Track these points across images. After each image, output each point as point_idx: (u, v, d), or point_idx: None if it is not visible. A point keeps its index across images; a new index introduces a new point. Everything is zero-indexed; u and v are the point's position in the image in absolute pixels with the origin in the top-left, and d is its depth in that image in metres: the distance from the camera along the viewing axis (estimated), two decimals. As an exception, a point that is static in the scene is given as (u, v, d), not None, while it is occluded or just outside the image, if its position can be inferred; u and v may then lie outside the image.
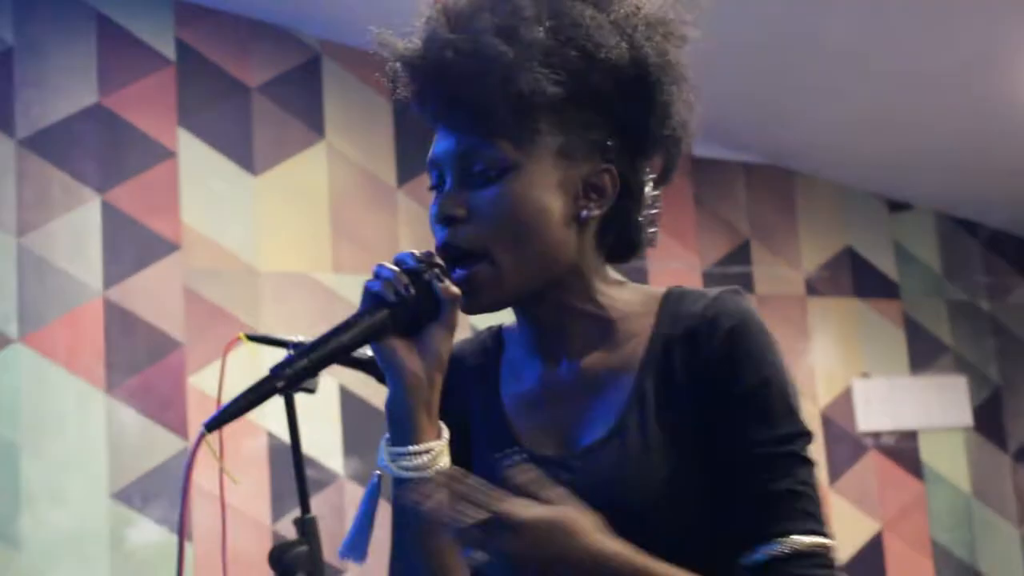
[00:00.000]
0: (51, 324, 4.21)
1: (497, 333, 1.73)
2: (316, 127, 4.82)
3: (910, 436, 6.10)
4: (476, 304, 1.52)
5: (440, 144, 1.54)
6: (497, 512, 1.33)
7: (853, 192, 6.24)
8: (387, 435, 1.52)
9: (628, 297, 1.60)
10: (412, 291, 1.48)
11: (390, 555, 1.63)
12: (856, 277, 6.18)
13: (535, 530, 1.34)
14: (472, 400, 1.68)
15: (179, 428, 4.34)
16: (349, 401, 4.64)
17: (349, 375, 2.86)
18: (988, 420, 6.30)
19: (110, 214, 4.36)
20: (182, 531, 1.49)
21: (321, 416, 4.56)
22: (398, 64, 1.57)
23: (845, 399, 5.93)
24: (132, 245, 4.39)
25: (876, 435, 5.95)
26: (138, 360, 4.34)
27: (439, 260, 1.51)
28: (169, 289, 4.43)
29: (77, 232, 4.31)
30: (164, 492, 4.28)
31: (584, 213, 1.53)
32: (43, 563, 4.08)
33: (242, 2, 4.66)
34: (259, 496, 4.43)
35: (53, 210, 4.28)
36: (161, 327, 4.38)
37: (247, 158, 4.66)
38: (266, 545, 4.13)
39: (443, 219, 1.51)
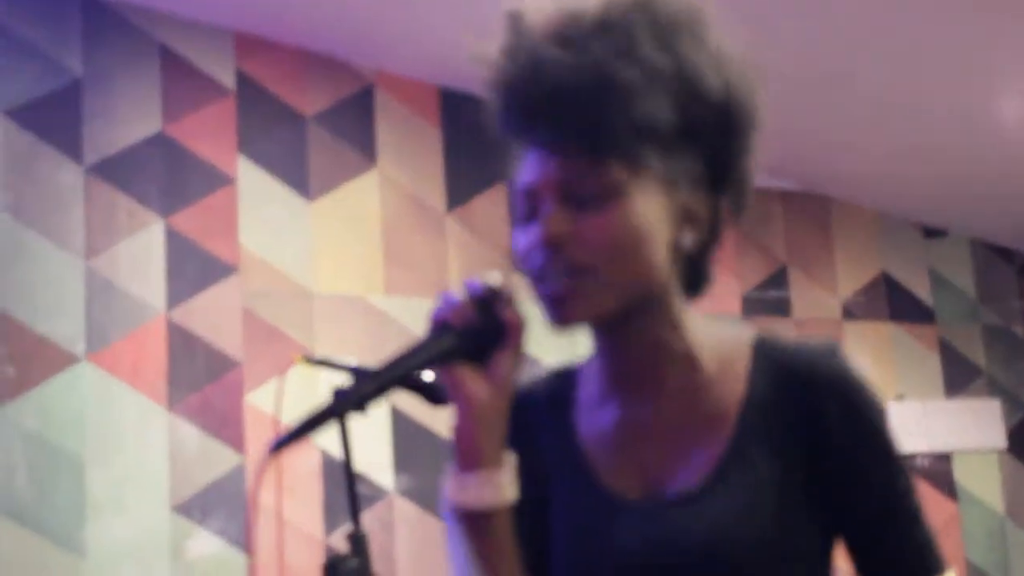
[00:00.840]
0: (116, 343, 4.35)
1: (569, 370, 1.67)
2: (369, 155, 4.95)
3: (944, 458, 6.16)
4: (566, 315, 1.46)
5: (540, 169, 1.46)
6: None
7: (889, 219, 6.32)
8: (452, 463, 1.49)
9: (713, 335, 1.56)
10: (478, 318, 1.45)
11: None
12: (892, 302, 6.26)
13: None
14: (545, 437, 1.63)
15: (237, 444, 4.47)
16: (399, 419, 4.74)
17: (404, 395, 2.98)
18: (1022, 442, 6.33)
19: (172, 238, 4.51)
20: (248, 544, 1.57)
21: (372, 434, 4.67)
22: (501, 84, 1.48)
23: (881, 421, 6.00)
24: (193, 267, 4.53)
25: (911, 457, 6.01)
26: (198, 378, 4.47)
27: (506, 288, 1.47)
28: (228, 310, 4.56)
29: (141, 255, 4.45)
30: (222, 505, 4.39)
31: (682, 241, 1.49)
32: (106, 571, 4.20)
33: (299, 33, 4.80)
34: (312, 511, 4.53)
35: (118, 234, 4.43)
36: (220, 347, 4.52)
37: (303, 184, 4.79)
38: (318, 558, 4.25)
39: (549, 240, 1.44)
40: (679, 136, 1.46)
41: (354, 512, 2.73)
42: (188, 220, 4.55)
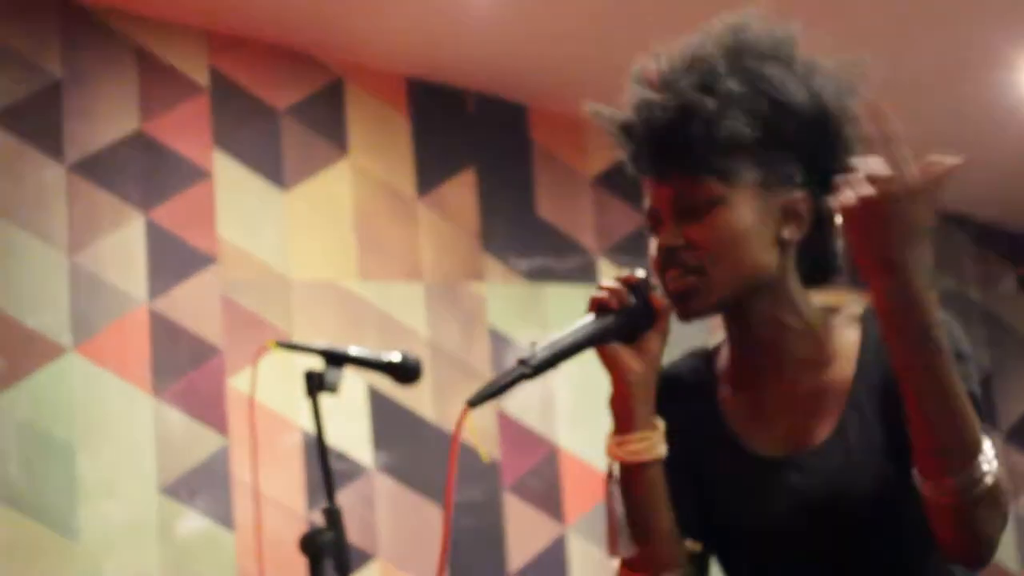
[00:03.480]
0: (101, 334, 4.52)
1: (708, 351, 1.91)
2: (340, 145, 5.07)
3: (906, 420, 6.28)
4: (690, 310, 1.73)
5: (654, 193, 1.76)
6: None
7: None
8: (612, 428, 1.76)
9: (831, 314, 1.79)
10: (634, 302, 1.74)
11: (616, 529, 1.80)
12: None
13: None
14: (690, 410, 1.84)
15: (220, 427, 4.63)
16: (376, 398, 4.90)
17: (376, 375, 3.14)
18: (980, 405, 6.44)
19: (153, 231, 4.65)
20: (453, 498, 1.64)
21: (351, 413, 4.80)
22: (615, 130, 1.79)
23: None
24: (173, 259, 4.68)
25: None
26: (181, 365, 4.62)
27: (653, 279, 1.75)
28: (208, 299, 4.71)
29: (123, 249, 4.60)
30: (208, 485, 4.56)
31: (784, 235, 1.73)
32: (98, 552, 4.37)
33: (269, 30, 4.93)
34: (295, 488, 4.69)
35: (101, 229, 4.58)
36: (201, 334, 4.67)
37: (277, 176, 4.93)
38: (302, 533, 4.44)
39: (664, 251, 1.73)
40: (769, 146, 1.72)
41: (329, 488, 2.90)
42: (167, 214, 4.70)
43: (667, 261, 1.73)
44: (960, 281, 6.53)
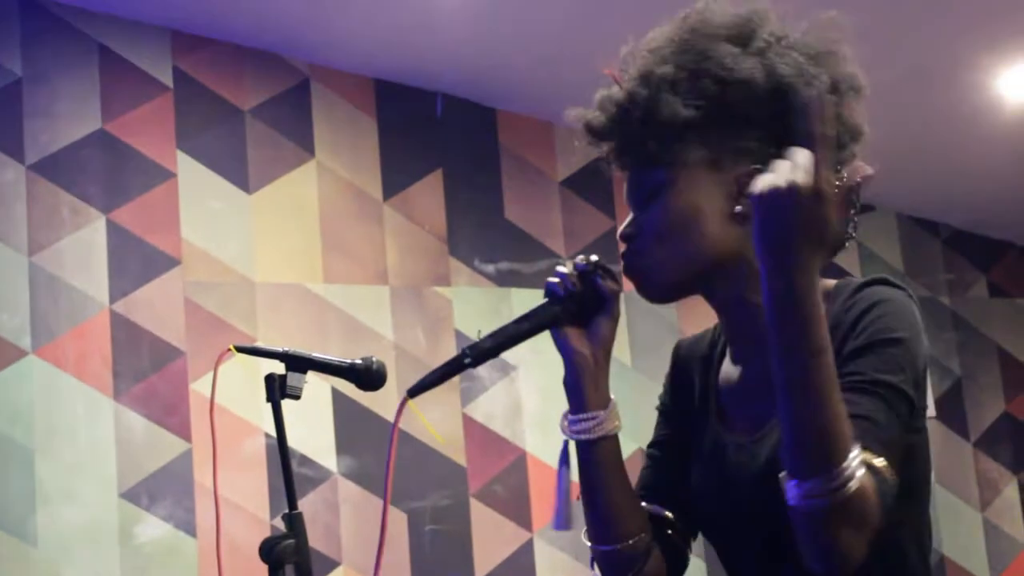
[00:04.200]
0: (61, 337, 4.46)
1: (719, 328, 1.93)
2: (306, 146, 5.04)
3: (875, 426, 6.27)
4: (645, 291, 1.79)
5: (625, 186, 1.83)
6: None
7: (820, 195, 6.42)
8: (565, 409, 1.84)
9: None
10: (580, 288, 1.80)
11: (584, 506, 1.88)
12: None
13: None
14: (695, 383, 1.92)
15: (183, 431, 4.58)
16: (341, 402, 4.86)
17: (341, 380, 3.10)
18: (950, 410, 6.42)
19: (115, 232, 4.61)
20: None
21: (315, 417, 4.78)
22: (581, 131, 1.84)
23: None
24: (136, 261, 4.63)
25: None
26: (143, 368, 4.57)
27: (604, 264, 1.82)
28: (171, 301, 4.66)
29: (84, 250, 4.55)
30: (170, 491, 4.51)
31: (739, 209, 1.73)
32: (57, 558, 4.31)
33: (234, 30, 4.89)
34: (258, 493, 4.65)
35: (61, 230, 4.53)
36: (164, 337, 4.62)
37: (242, 177, 4.89)
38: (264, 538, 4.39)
39: (622, 238, 1.80)
40: (717, 123, 1.73)
41: (290, 493, 2.85)
42: (130, 215, 4.65)
43: (625, 247, 1.80)
44: (931, 286, 6.55)
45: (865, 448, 1.51)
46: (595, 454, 1.83)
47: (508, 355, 5.09)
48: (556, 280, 1.81)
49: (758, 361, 1.78)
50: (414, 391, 1.73)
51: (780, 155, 1.60)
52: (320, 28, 4.91)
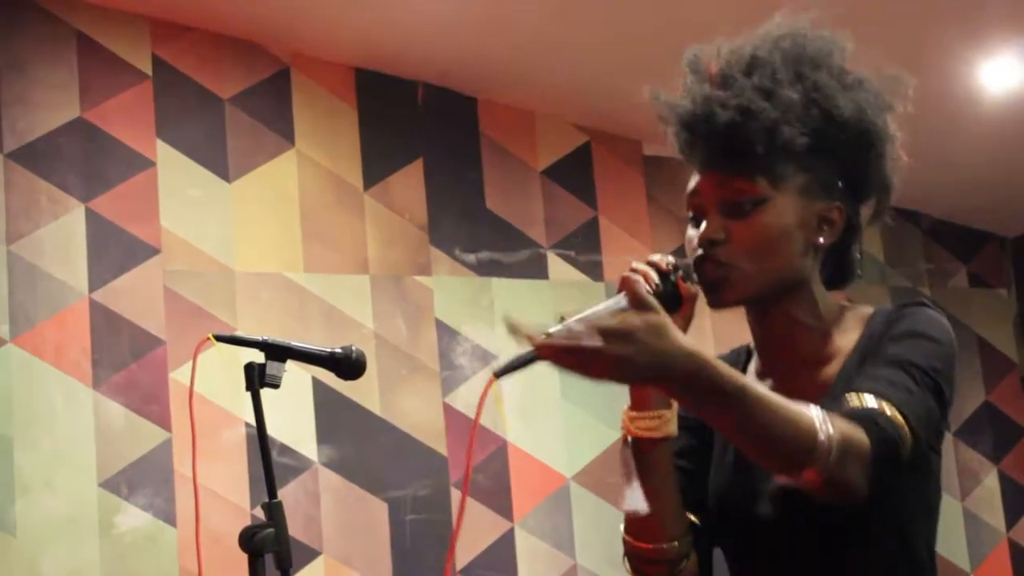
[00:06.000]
0: (40, 325, 4.45)
1: (748, 347, 2.01)
2: (286, 135, 5.02)
3: (856, 416, 6.29)
4: (721, 300, 1.83)
5: (703, 182, 1.84)
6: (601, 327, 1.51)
7: (801, 185, 6.43)
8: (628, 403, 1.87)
9: (846, 316, 1.88)
10: (661, 285, 1.82)
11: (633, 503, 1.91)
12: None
13: (637, 332, 1.50)
14: None
15: (162, 420, 4.57)
16: (321, 391, 4.85)
17: (321, 369, 3.10)
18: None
19: (94, 221, 4.59)
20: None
21: (295, 406, 4.77)
22: (673, 118, 1.87)
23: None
24: (115, 250, 4.62)
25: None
26: (122, 357, 4.56)
27: (683, 265, 1.84)
28: (150, 290, 4.65)
29: (63, 239, 4.54)
30: (149, 480, 4.50)
31: (817, 241, 1.83)
32: (36, 547, 4.30)
33: (214, 18, 4.87)
34: (238, 482, 4.65)
35: (40, 219, 4.51)
36: (143, 326, 4.61)
37: (222, 166, 4.87)
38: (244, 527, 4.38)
39: (705, 241, 1.82)
40: (815, 153, 1.82)
41: (269, 482, 2.85)
42: (109, 203, 4.64)
43: (706, 251, 1.82)
44: (911, 276, 6.56)
45: (879, 396, 1.66)
46: (655, 453, 1.85)
47: (488, 344, 5.15)
48: (637, 277, 1.81)
49: (780, 374, 1.89)
50: (501, 372, 1.73)
51: (857, 193, 1.87)
52: (300, 17, 4.89)
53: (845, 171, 1.85)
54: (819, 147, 1.81)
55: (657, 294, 1.81)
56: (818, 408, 1.59)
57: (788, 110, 1.80)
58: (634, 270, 1.84)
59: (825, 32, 1.89)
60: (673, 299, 1.83)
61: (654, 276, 1.83)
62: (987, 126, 5.76)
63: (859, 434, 1.60)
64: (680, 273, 1.85)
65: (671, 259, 1.86)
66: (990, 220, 6.78)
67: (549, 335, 1.61)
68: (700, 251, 1.83)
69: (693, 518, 1.93)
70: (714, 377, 1.52)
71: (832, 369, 1.85)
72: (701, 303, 1.88)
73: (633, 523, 1.89)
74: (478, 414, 1.77)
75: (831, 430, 1.57)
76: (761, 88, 1.81)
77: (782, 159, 1.80)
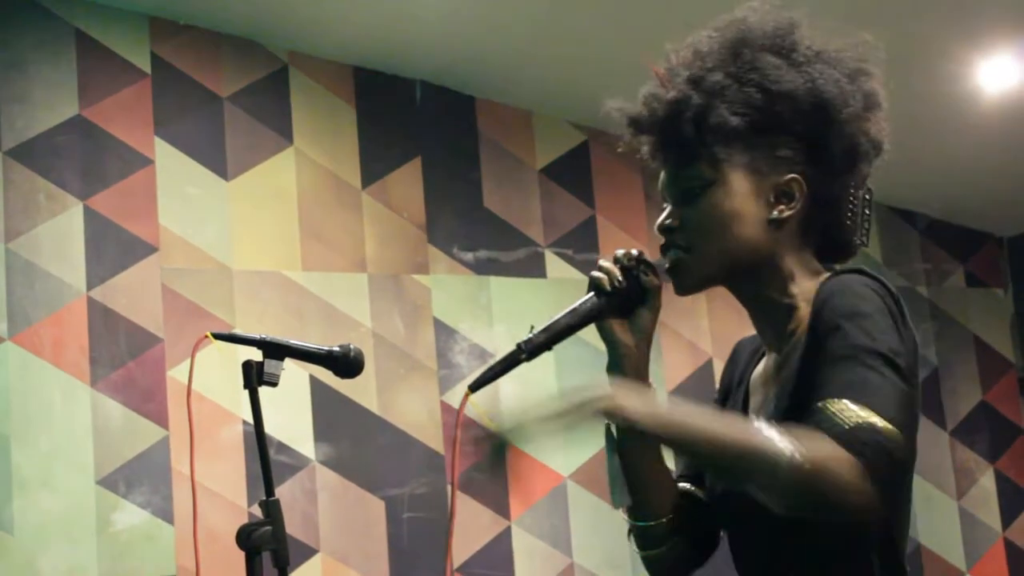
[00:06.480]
0: (38, 323, 4.44)
1: None
2: (285, 134, 5.02)
3: (852, 415, 6.28)
4: (680, 285, 1.91)
5: (662, 178, 1.93)
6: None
7: (799, 184, 6.42)
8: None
9: (819, 287, 1.83)
10: (624, 282, 1.91)
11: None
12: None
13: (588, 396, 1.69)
14: (739, 377, 2.04)
15: (160, 418, 4.56)
16: (319, 390, 4.85)
17: (319, 367, 3.10)
18: (927, 399, 6.42)
19: (92, 219, 4.59)
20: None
21: (293, 405, 4.77)
22: (625, 124, 1.95)
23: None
24: (113, 248, 4.61)
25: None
26: (120, 355, 4.56)
27: (646, 258, 1.93)
28: (148, 288, 4.64)
29: (61, 237, 4.53)
30: (146, 478, 4.50)
31: (775, 215, 1.86)
32: (34, 545, 4.30)
33: (213, 17, 4.87)
34: (236, 480, 4.64)
35: (38, 216, 4.51)
36: (141, 324, 4.61)
37: (220, 164, 4.87)
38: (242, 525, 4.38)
39: (662, 229, 1.90)
40: (762, 132, 1.86)
41: (267, 480, 2.85)
42: (107, 202, 4.63)
43: (664, 240, 1.90)
44: (908, 276, 6.57)
45: (854, 402, 1.64)
46: (636, 437, 1.88)
47: (486, 343, 5.15)
48: (601, 276, 1.92)
49: (774, 354, 1.92)
50: (475, 386, 1.87)
51: (827, 163, 1.86)
52: (299, 15, 4.89)
53: (806, 143, 1.87)
54: (765, 124, 1.85)
55: (620, 290, 1.91)
56: (770, 427, 1.63)
57: (716, 94, 1.85)
58: (599, 267, 1.92)
59: (777, 13, 1.93)
60: (638, 292, 1.92)
61: (617, 273, 1.91)
62: (984, 126, 5.76)
63: (837, 451, 1.59)
64: (642, 267, 1.92)
65: (635, 252, 1.93)
66: (987, 220, 6.79)
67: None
68: (663, 240, 1.91)
69: (699, 493, 2.01)
70: (646, 418, 1.67)
71: (794, 346, 1.85)
72: (702, 304, 1.91)
73: (626, 506, 1.99)
74: (458, 431, 1.84)
75: (793, 448, 1.60)
76: (691, 78, 1.88)
77: (719, 141, 1.85)
